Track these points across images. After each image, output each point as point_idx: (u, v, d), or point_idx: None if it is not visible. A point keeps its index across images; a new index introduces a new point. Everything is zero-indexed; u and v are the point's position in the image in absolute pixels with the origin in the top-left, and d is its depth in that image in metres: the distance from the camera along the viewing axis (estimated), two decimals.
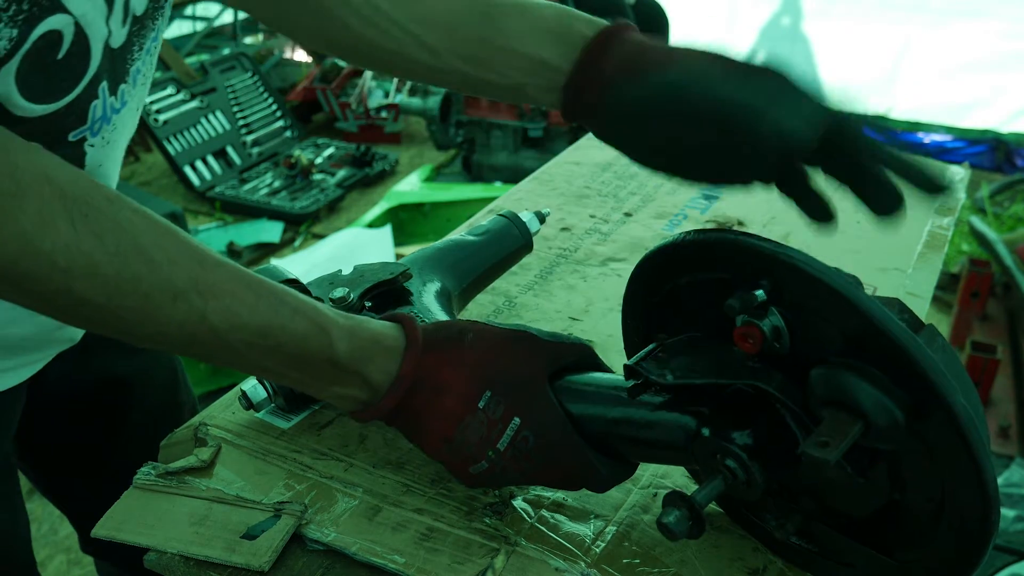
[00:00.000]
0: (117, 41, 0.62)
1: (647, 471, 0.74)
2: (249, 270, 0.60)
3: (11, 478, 0.86)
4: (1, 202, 0.48)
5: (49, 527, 2.02)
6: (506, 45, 0.66)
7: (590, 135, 0.66)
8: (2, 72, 0.53)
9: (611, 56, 0.63)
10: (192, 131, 3.71)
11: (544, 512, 0.70)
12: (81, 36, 0.57)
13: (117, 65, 0.64)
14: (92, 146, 0.66)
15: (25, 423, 0.87)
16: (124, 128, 0.71)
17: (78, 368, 0.85)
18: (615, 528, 0.69)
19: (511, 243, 0.94)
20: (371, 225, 3.11)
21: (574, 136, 3.45)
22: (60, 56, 0.56)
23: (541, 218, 0.99)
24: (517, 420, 0.61)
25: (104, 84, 0.63)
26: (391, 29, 0.69)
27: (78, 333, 0.82)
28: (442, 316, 0.79)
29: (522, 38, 0.66)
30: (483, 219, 1.19)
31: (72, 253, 0.50)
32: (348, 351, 0.60)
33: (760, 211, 1.20)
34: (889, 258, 1.09)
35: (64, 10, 0.54)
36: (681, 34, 4.19)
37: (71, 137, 0.63)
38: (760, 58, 0.60)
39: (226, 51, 4.29)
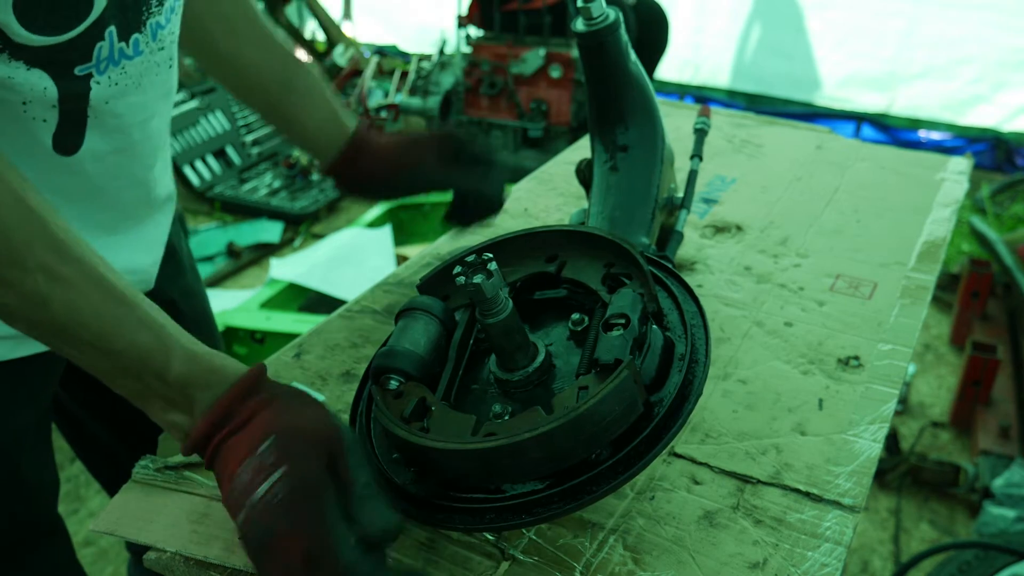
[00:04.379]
0: None
1: (643, 476, 0.74)
2: (115, 275, 0.61)
3: (45, 439, 0.91)
4: None
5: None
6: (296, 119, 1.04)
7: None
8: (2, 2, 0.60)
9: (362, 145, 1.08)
10: (191, 131, 3.71)
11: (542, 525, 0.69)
12: None
13: (130, 15, 0.70)
14: (98, 83, 0.71)
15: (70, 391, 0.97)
16: (141, 77, 0.75)
17: None
18: (613, 537, 0.68)
19: None
20: (371, 225, 3.11)
21: (574, 136, 3.44)
22: None
23: None
24: (282, 469, 0.58)
25: (112, 28, 0.69)
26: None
27: None
28: None
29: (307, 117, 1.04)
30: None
31: None
32: (183, 373, 0.61)
33: (758, 216, 1.20)
34: (890, 254, 1.09)
35: None
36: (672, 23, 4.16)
37: (77, 71, 0.70)
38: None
39: None
